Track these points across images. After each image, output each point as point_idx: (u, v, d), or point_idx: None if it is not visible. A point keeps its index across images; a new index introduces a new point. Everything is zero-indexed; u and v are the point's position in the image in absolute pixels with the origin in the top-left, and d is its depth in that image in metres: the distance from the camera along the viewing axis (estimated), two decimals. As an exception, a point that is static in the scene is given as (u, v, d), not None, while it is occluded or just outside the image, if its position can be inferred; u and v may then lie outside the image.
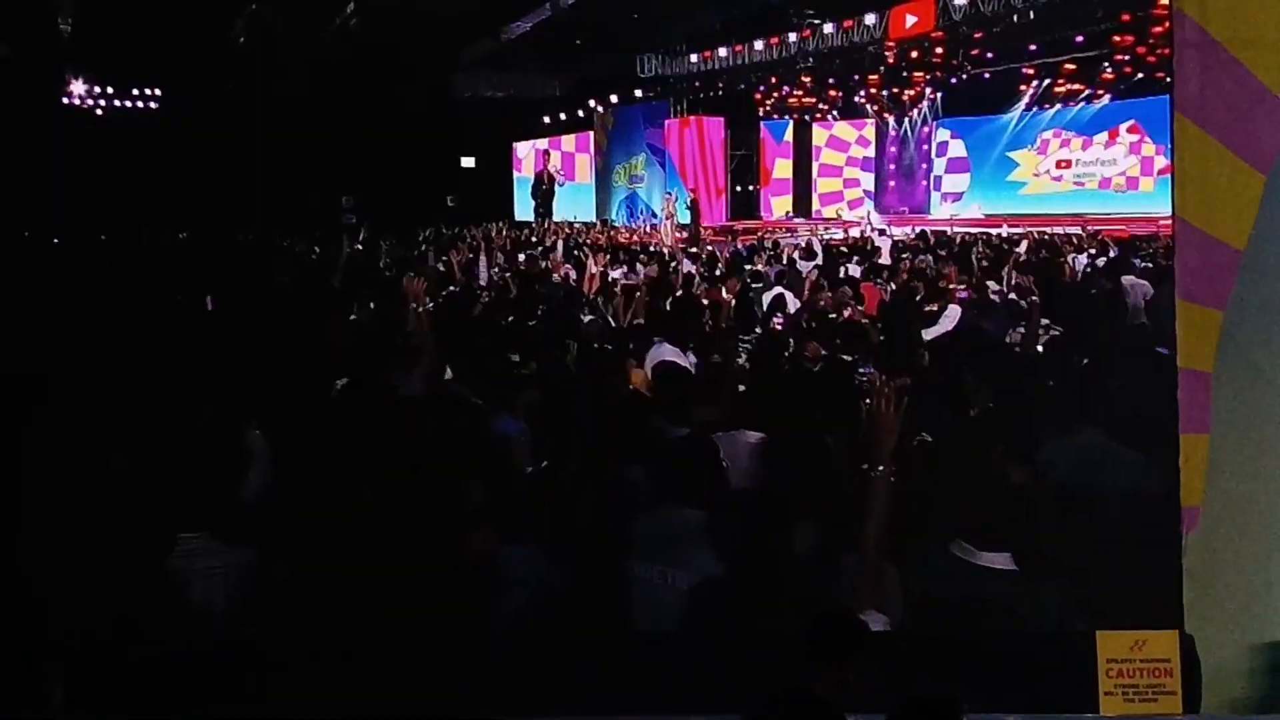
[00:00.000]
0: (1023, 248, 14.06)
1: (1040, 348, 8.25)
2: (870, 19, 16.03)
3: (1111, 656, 6.58)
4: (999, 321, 9.10)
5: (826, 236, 14.28)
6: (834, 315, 9.01)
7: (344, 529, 5.50)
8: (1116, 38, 15.84)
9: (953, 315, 8.85)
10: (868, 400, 6.03)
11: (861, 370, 6.59)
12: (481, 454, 6.08)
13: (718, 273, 10.50)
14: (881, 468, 4.49)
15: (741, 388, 6.96)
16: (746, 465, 6.07)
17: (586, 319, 9.35)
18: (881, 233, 13.96)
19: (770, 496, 4.99)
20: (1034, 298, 7.93)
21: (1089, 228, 14.74)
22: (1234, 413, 6.78)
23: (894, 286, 10.90)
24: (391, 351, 7.66)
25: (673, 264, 11.23)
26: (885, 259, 13.08)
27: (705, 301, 9.35)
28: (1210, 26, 7.56)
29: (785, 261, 12.38)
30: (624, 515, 5.33)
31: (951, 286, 9.70)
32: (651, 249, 13.29)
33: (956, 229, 15.66)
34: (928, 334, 8.93)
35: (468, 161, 18.22)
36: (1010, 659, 5.72)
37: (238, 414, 7.00)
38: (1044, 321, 8.73)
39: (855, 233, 14.76)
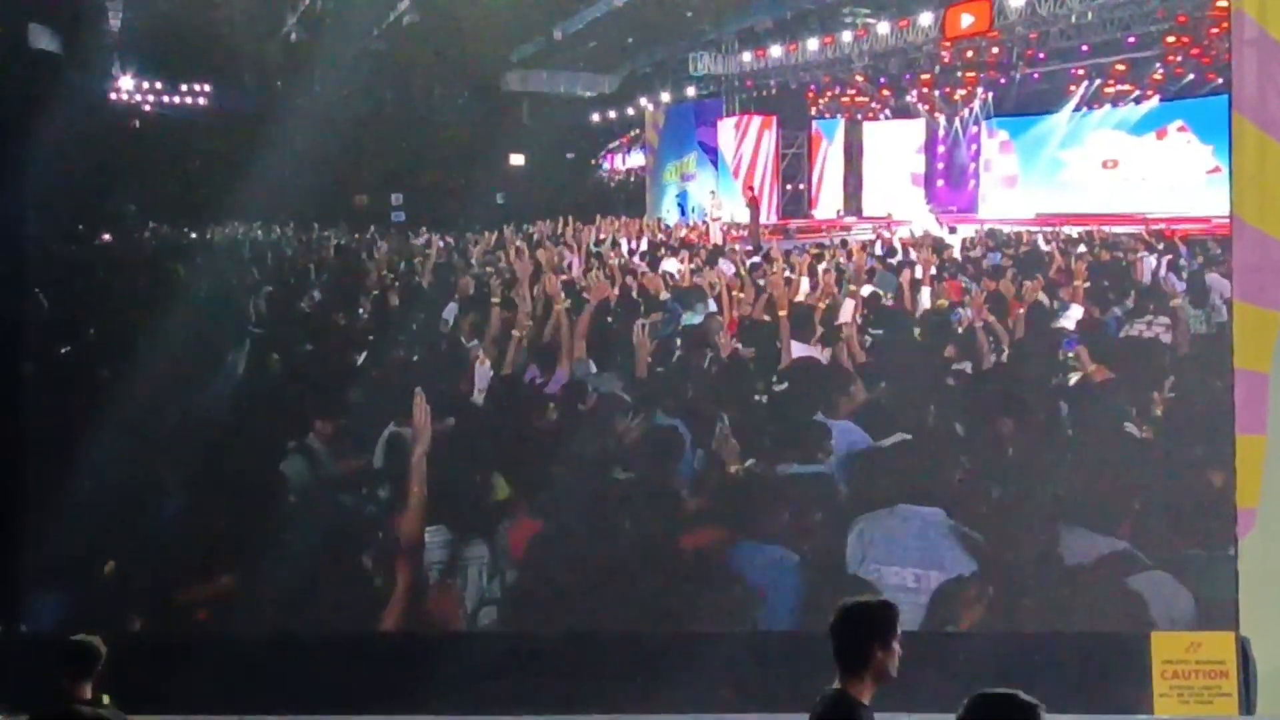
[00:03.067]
0: (1081, 249, 14.12)
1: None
2: (925, 19, 16.06)
3: (1167, 658, 6.50)
4: (1112, 322, 9.20)
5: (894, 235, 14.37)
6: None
7: (564, 526, 5.54)
8: (1171, 38, 15.94)
9: (1074, 314, 8.93)
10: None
11: (1068, 349, 6.67)
12: (667, 451, 6.15)
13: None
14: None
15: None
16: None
17: (698, 318, 9.43)
18: (952, 230, 14.05)
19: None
20: (1177, 301, 7.97)
21: (1150, 227, 14.86)
22: (1293, 414, 6.71)
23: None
24: (540, 350, 7.71)
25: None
26: (957, 256, 13.15)
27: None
28: (1270, 26, 7.53)
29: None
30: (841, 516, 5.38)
31: (1077, 284, 9.80)
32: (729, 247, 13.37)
33: (1014, 228, 15.77)
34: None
35: (517, 159, 18.16)
36: (1066, 659, 5.75)
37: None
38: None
39: (918, 231, 14.83)
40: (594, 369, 7.59)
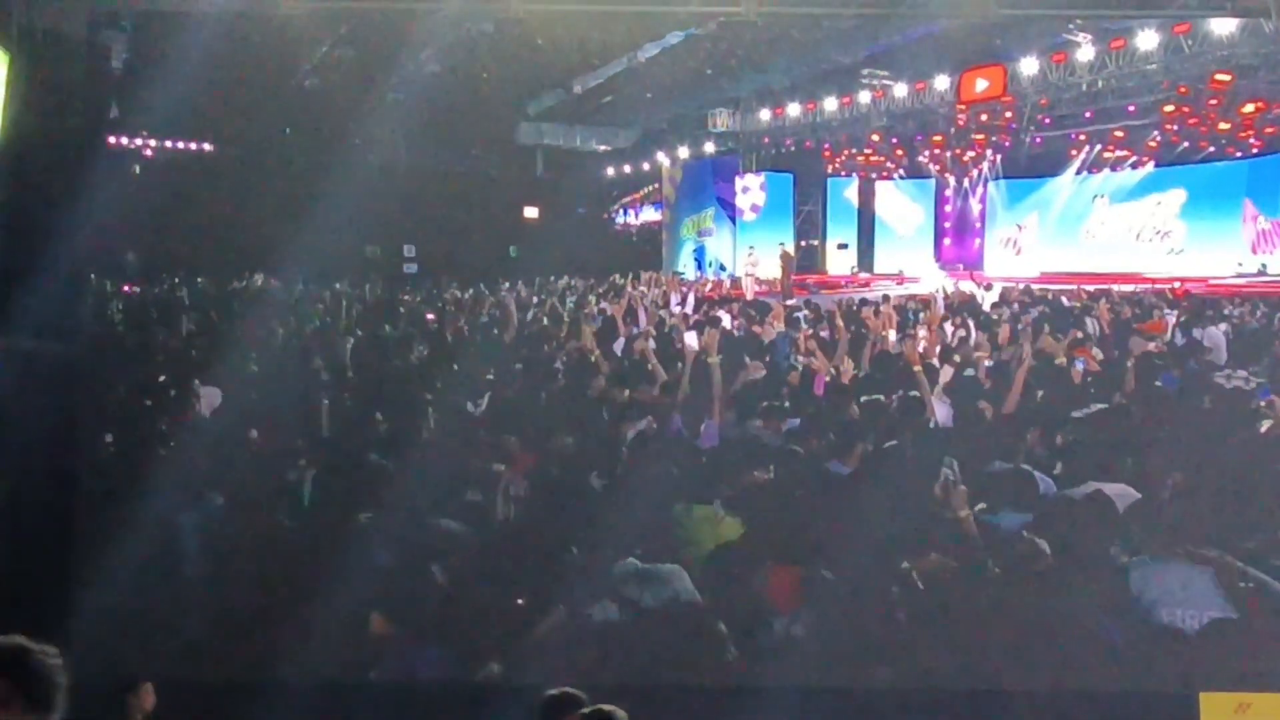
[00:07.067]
0: (1102, 304, 14.44)
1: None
2: (942, 83, 16.48)
3: None
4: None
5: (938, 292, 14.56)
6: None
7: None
8: (1169, 108, 16.55)
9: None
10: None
11: (1261, 399, 6.77)
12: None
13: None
14: None
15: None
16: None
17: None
18: (988, 287, 14.31)
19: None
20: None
21: (1156, 285, 15.37)
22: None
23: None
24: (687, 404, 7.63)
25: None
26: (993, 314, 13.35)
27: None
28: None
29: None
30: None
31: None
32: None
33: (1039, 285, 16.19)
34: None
35: (530, 211, 18.18)
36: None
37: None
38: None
39: (950, 288, 15.01)
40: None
